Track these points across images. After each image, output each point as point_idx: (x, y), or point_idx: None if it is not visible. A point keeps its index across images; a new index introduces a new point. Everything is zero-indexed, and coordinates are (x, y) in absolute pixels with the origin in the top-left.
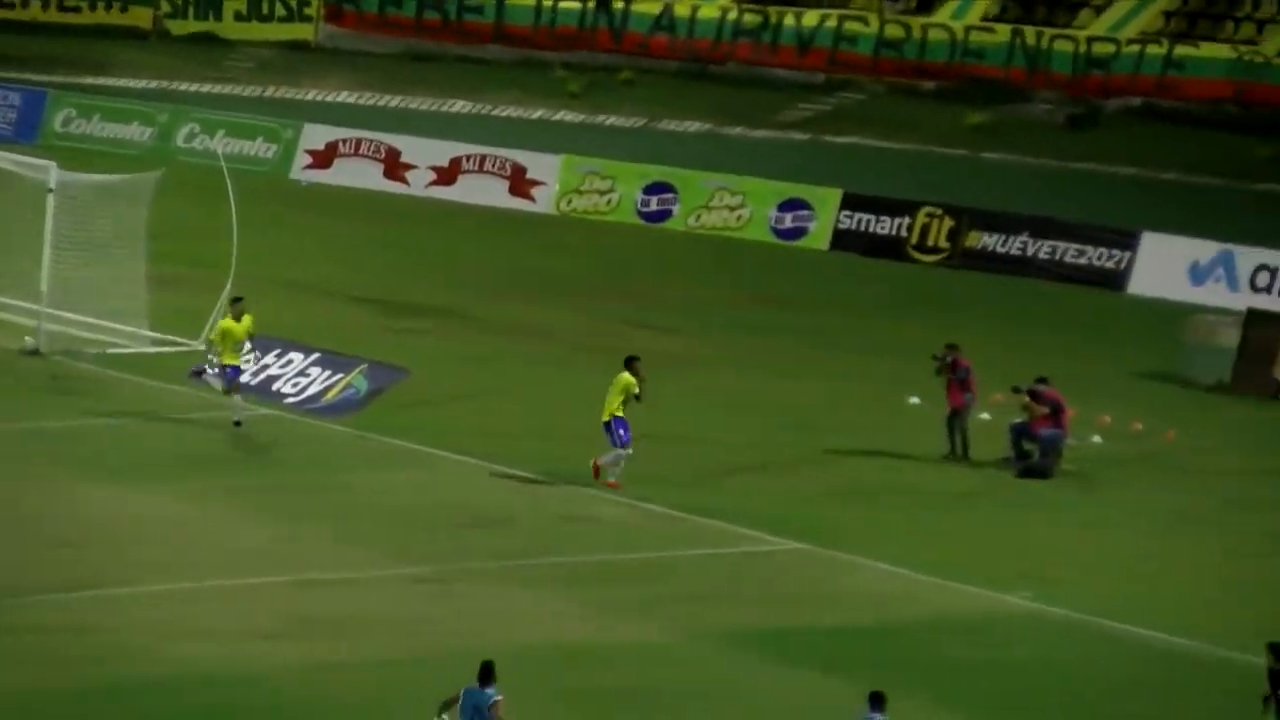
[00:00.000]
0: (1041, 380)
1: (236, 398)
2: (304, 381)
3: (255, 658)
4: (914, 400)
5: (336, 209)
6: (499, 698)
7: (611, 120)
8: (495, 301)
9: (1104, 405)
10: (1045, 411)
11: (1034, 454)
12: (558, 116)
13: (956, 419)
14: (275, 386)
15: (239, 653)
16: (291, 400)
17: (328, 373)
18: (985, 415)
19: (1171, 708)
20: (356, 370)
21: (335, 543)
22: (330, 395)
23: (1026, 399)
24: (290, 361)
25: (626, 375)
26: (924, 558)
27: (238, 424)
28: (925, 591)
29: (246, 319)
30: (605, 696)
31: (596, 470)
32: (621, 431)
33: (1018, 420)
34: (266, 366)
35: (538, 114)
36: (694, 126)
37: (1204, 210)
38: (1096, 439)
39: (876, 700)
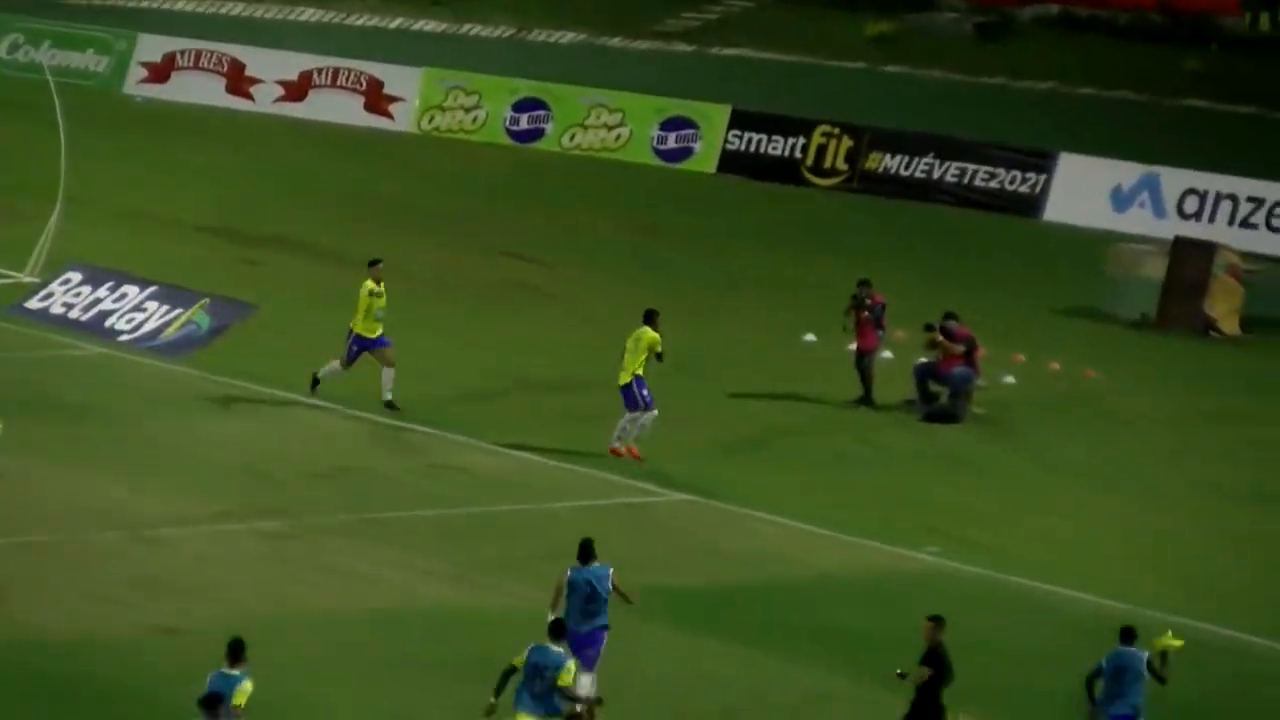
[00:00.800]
0: (950, 316)
1: (388, 372)
2: (140, 317)
3: (95, 621)
4: (809, 338)
5: (175, 127)
6: (612, 568)
7: (477, 30)
8: (350, 230)
9: (1017, 343)
10: (960, 350)
11: (941, 396)
12: (418, 25)
13: (866, 359)
14: (109, 323)
15: (77, 616)
16: (127, 338)
17: (166, 307)
18: (888, 354)
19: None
20: (197, 305)
21: (179, 495)
22: (169, 332)
23: (938, 336)
24: (125, 295)
25: (652, 332)
26: (820, 510)
27: (391, 405)
28: (821, 546)
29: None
30: (475, 665)
31: (620, 453)
32: (645, 392)
33: (923, 360)
34: (99, 301)
35: (396, 22)
36: (568, 37)
37: (1126, 129)
38: (1009, 379)
39: (1129, 635)
